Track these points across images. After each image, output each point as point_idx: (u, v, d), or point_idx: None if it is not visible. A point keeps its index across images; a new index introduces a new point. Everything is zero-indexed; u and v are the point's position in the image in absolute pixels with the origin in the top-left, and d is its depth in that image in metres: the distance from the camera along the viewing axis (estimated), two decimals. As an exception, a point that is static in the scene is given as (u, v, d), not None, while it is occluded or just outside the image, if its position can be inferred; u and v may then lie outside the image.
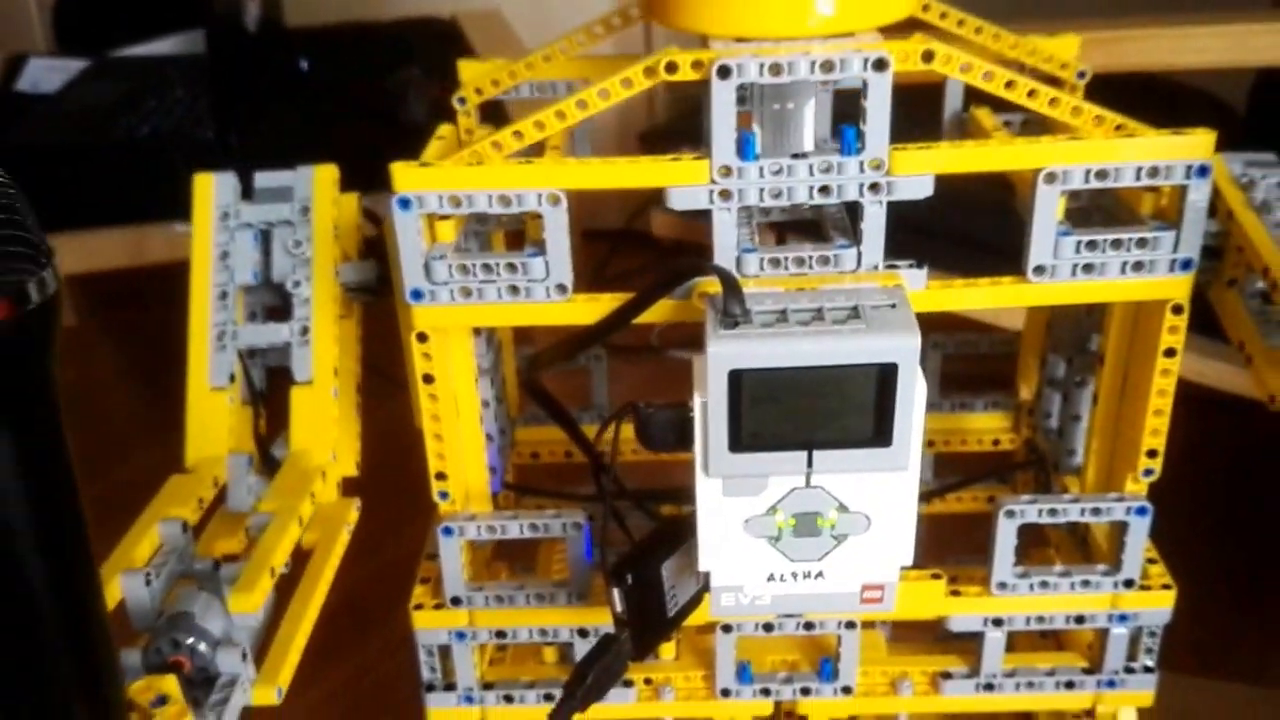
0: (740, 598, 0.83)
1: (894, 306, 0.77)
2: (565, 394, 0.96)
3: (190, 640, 0.78)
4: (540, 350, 0.91)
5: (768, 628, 0.91)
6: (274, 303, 0.96)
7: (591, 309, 0.83)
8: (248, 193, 0.95)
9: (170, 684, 0.73)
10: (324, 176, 0.94)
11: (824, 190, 0.80)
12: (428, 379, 0.86)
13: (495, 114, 1.04)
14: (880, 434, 0.75)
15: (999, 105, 0.91)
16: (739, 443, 0.75)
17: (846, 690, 0.93)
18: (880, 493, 0.78)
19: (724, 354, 0.73)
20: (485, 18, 2.22)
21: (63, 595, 0.62)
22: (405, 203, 0.80)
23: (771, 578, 0.81)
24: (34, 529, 0.59)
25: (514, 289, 0.82)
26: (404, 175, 0.80)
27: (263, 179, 0.94)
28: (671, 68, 0.79)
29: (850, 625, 0.91)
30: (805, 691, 0.94)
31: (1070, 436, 1.00)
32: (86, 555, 0.62)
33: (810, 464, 0.77)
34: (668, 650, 0.96)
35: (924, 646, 0.97)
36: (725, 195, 0.80)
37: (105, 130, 1.95)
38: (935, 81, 1.01)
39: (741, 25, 0.82)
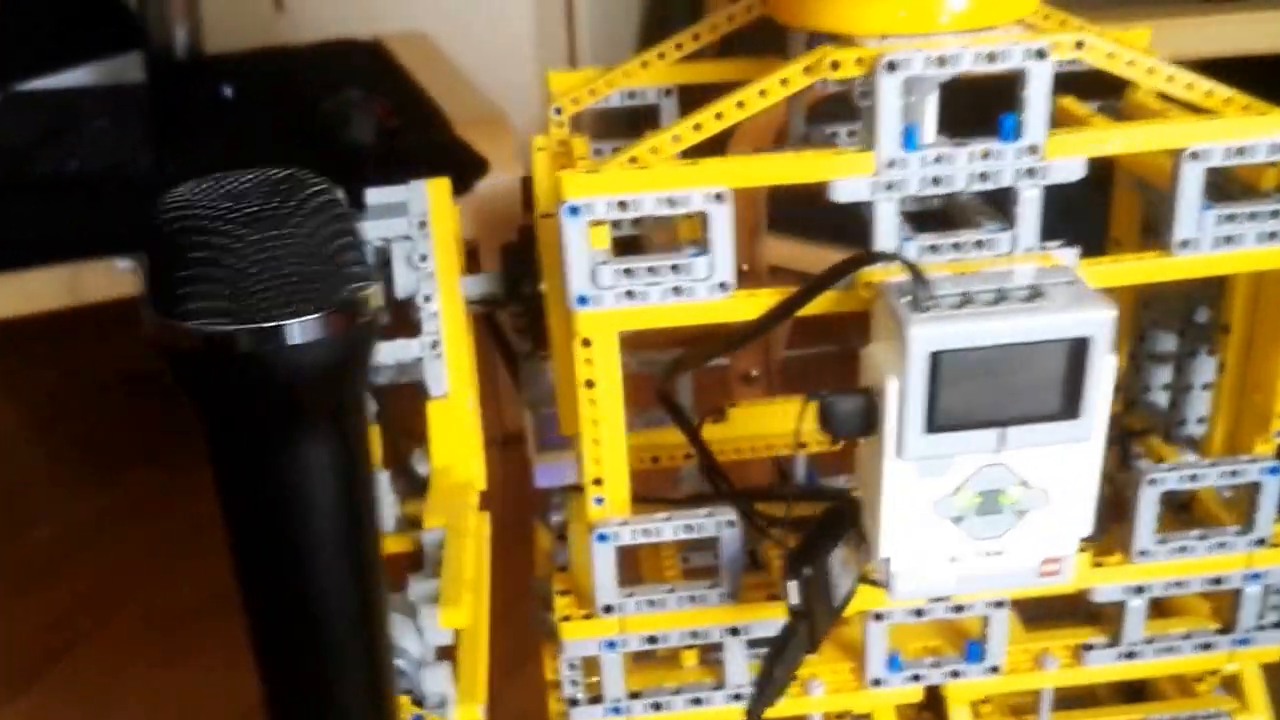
0: (921, 581, 0.85)
1: (1072, 283, 0.80)
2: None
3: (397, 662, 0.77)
4: (684, 354, 0.92)
5: (918, 613, 0.93)
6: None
7: (752, 305, 0.85)
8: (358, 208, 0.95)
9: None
10: (439, 189, 0.94)
11: (983, 177, 0.83)
12: (590, 384, 0.87)
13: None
14: (1069, 407, 0.79)
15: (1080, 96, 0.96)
16: (934, 424, 0.78)
17: (994, 670, 0.96)
18: (1062, 465, 0.81)
19: (925, 336, 0.76)
20: (412, 40, 2.22)
21: (359, 614, 0.62)
22: (574, 210, 0.81)
23: (954, 559, 0.84)
24: (340, 542, 0.59)
25: (677, 289, 0.84)
26: (573, 183, 0.81)
27: (374, 195, 0.95)
28: (835, 65, 0.81)
29: (999, 604, 0.94)
30: (955, 674, 0.96)
31: (1183, 406, 1.05)
32: (380, 574, 0.62)
33: (1002, 441, 0.79)
34: (805, 644, 0.97)
35: (1047, 623, 1.00)
36: (889, 186, 0.82)
37: (28, 168, 1.90)
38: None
39: (889, 24, 0.84)
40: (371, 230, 0.95)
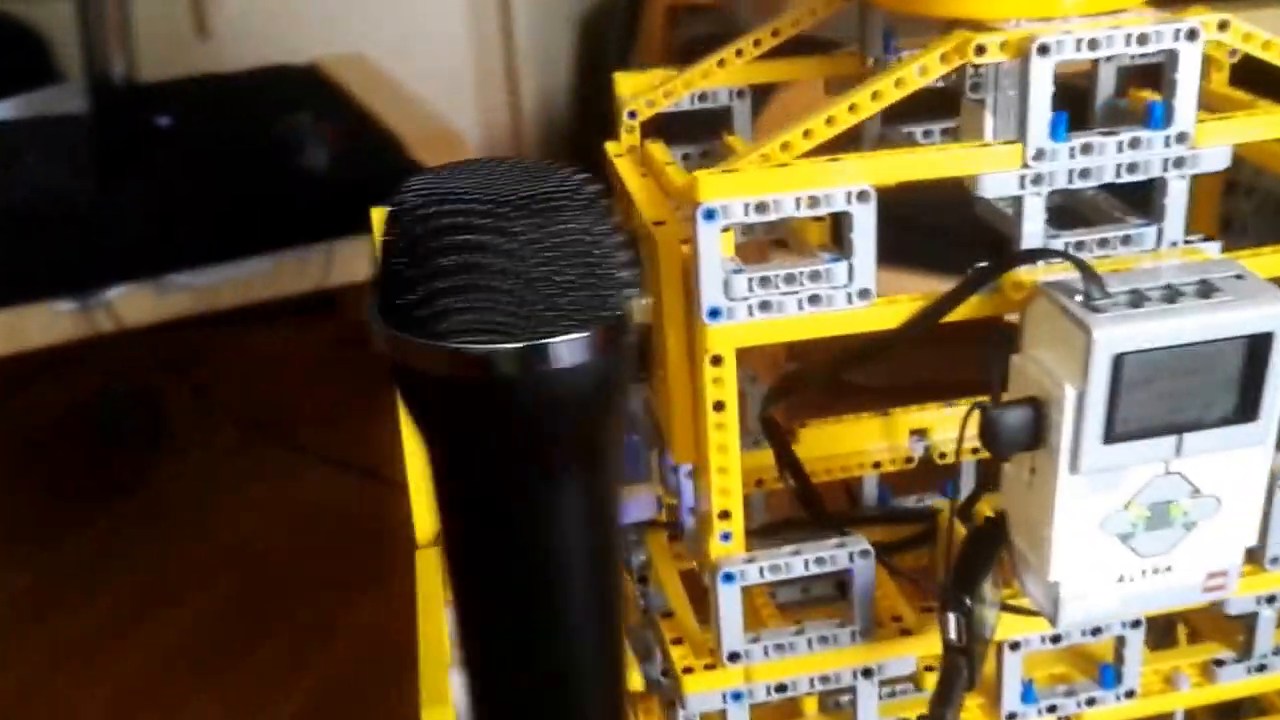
0: (1088, 606, 0.79)
1: (1241, 277, 0.76)
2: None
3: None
4: (794, 372, 0.86)
5: (1055, 639, 0.88)
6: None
7: (894, 313, 0.79)
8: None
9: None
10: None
11: (1130, 168, 0.78)
12: (719, 407, 0.80)
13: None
14: (1246, 409, 0.74)
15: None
16: (1111, 433, 0.72)
17: (1130, 694, 0.91)
18: (1235, 471, 0.77)
19: (1109, 338, 0.71)
20: (350, 62, 2.14)
21: (605, 662, 0.54)
22: (710, 214, 0.74)
23: (1121, 578, 0.78)
24: (592, 599, 0.52)
25: (815, 298, 0.77)
26: (709, 184, 0.74)
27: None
28: (980, 50, 0.75)
29: (1136, 624, 0.88)
30: (1091, 701, 0.90)
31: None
32: (621, 620, 0.55)
33: (1178, 448, 0.74)
34: (932, 680, 0.91)
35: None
36: (1037, 180, 0.77)
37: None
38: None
39: (1014, 7, 0.79)
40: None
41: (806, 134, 0.77)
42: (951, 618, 0.78)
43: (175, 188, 1.78)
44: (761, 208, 0.76)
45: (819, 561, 0.85)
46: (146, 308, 1.72)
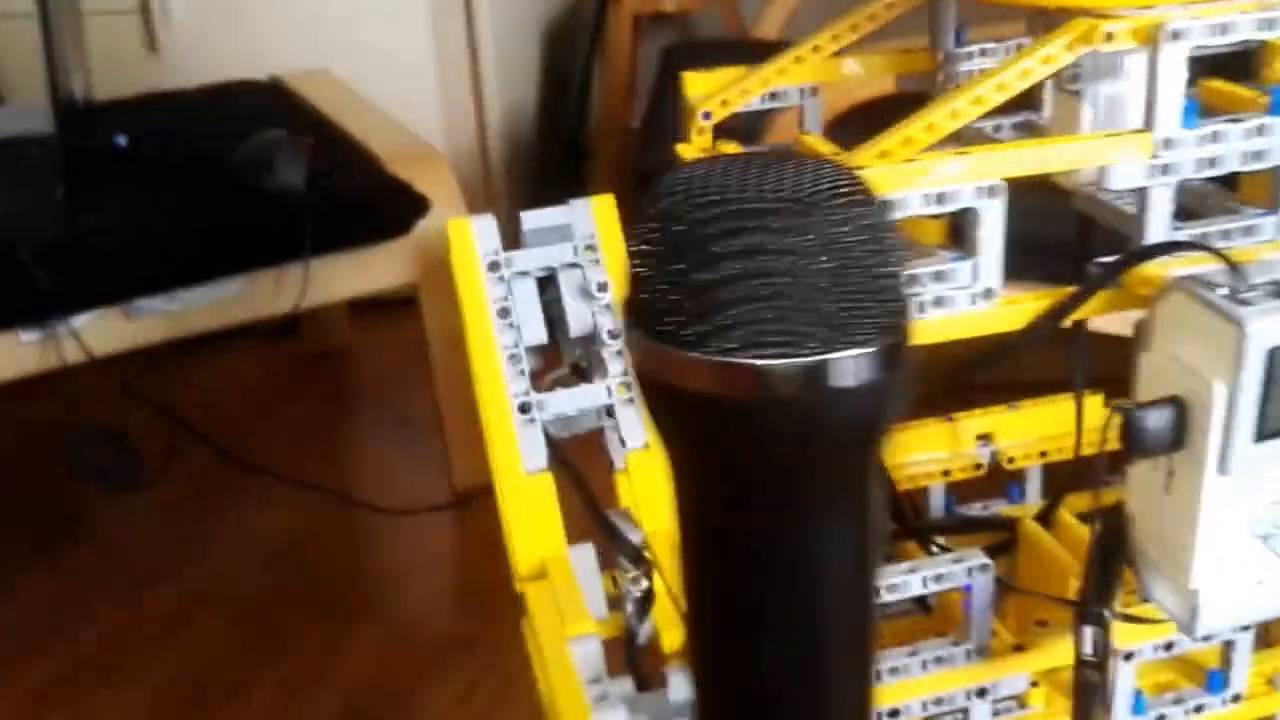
0: (1227, 611, 0.76)
1: (1374, 264, 0.73)
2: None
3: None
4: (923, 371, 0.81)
5: (1168, 647, 0.84)
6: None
7: (1017, 314, 0.75)
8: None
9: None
10: (604, 208, 0.81)
11: (1256, 156, 0.75)
12: (838, 417, 0.75)
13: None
14: (1391, 400, 0.71)
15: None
16: (1263, 431, 0.69)
17: (1236, 699, 0.87)
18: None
19: (1262, 331, 0.67)
20: (315, 77, 2.06)
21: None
22: (839, 214, 0.70)
23: (1260, 581, 0.75)
24: (848, 622, 0.47)
25: (939, 300, 0.73)
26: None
27: (530, 219, 0.81)
28: (1109, 36, 0.72)
29: (1245, 628, 0.85)
30: (1199, 709, 0.87)
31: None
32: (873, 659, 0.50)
33: (1324, 445, 0.71)
34: (1037, 696, 0.88)
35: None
36: (1165, 170, 0.73)
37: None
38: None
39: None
40: (531, 260, 0.81)
41: (929, 128, 0.73)
42: (1088, 632, 0.74)
43: (143, 208, 1.69)
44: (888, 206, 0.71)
45: (937, 579, 0.81)
46: (115, 335, 1.63)
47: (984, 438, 1.02)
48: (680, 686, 0.70)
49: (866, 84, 1.01)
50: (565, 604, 0.73)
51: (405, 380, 2.16)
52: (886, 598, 0.80)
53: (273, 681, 1.54)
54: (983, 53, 0.94)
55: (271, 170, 1.72)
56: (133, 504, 1.87)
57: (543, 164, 2.45)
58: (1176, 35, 0.71)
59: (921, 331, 0.72)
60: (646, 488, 0.79)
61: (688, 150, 0.90)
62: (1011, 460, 1.02)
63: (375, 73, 2.10)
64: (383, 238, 1.72)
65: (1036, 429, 1.01)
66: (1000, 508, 1.06)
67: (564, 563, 0.77)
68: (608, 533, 0.78)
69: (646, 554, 0.77)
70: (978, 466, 1.02)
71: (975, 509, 1.07)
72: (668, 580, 0.74)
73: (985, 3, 0.84)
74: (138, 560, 1.78)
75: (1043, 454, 1.02)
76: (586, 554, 0.78)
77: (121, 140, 1.86)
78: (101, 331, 1.62)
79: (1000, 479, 1.05)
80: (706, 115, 0.90)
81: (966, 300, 0.74)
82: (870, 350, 0.41)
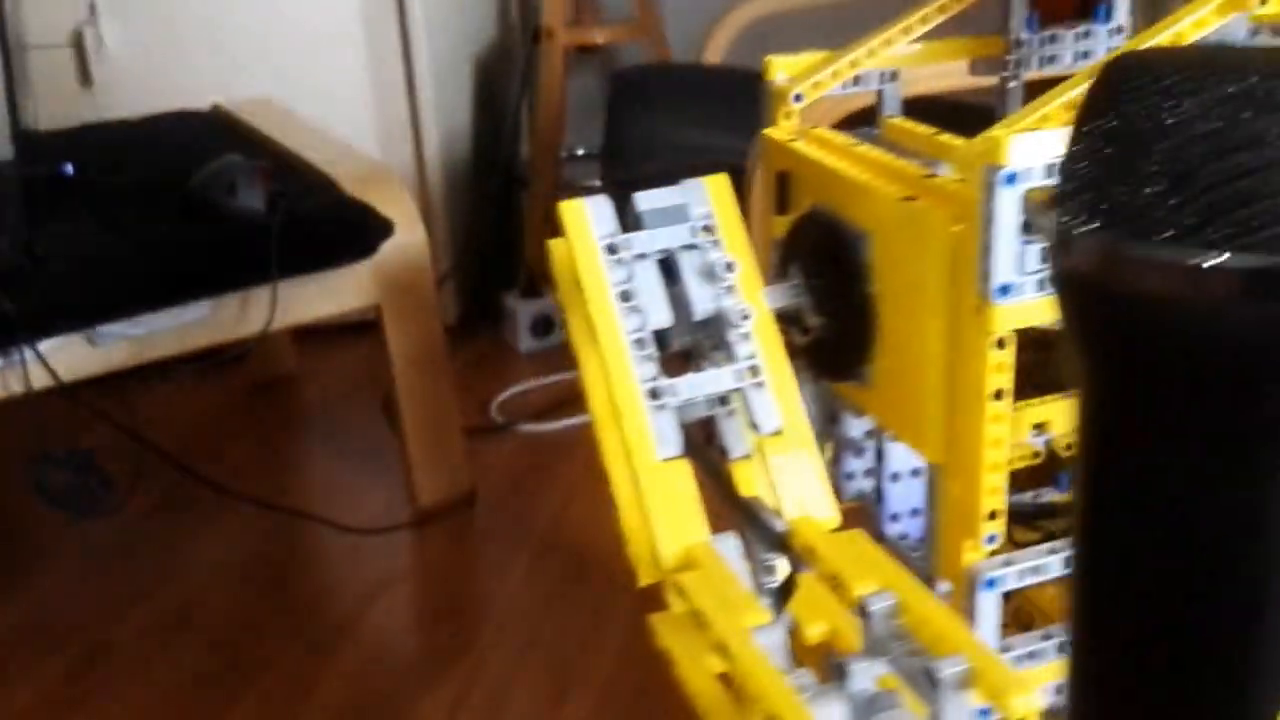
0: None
1: None
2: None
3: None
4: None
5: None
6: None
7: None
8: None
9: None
10: (720, 187, 0.74)
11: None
12: (999, 396, 0.68)
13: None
14: None
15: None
16: None
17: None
18: None
19: None
20: (260, 105, 1.95)
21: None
22: (1012, 178, 0.64)
23: None
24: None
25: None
26: (1014, 145, 0.64)
27: (644, 200, 0.74)
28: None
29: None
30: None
31: None
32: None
33: None
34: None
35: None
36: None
37: None
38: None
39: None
40: (650, 242, 0.73)
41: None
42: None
43: (104, 234, 1.57)
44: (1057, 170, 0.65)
45: (1076, 559, 0.74)
46: (80, 361, 1.51)
47: (1039, 426, 0.96)
48: (862, 678, 0.62)
49: (936, 76, 0.96)
50: (733, 595, 0.66)
51: (353, 404, 2.07)
52: (1030, 581, 0.74)
53: (255, 701, 1.43)
54: (1052, 39, 0.89)
55: (233, 194, 1.61)
56: (101, 529, 1.74)
57: (478, 193, 2.36)
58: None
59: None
60: (787, 473, 0.71)
61: (780, 132, 0.83)
62: (1069, 448, 0.96)
63: (311, 102, 2.00)
64: (348, 259, 1.63)
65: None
66: (1052, 496, 1.00)
67: (712, 552, 0.69)
68: (748, 520, 0.71)
69: (792, 542, 0.69)
70: (1036, 455, 0.96)
71: (1027, 498, 1.01)
72: (822, 567, 0.67)
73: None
74: (109, 586, 1.66)
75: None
76: (730, 544, 0.70)
77: (68, 169, 1.73)
78: (67, 357, 1.51)
79: (1049, 468, 0.99)
80: (798, 97, 0.84)
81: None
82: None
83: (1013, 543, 0.88)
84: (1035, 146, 0.65)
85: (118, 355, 1.55)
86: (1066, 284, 0.39)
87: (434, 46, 2.17)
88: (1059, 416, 0.97)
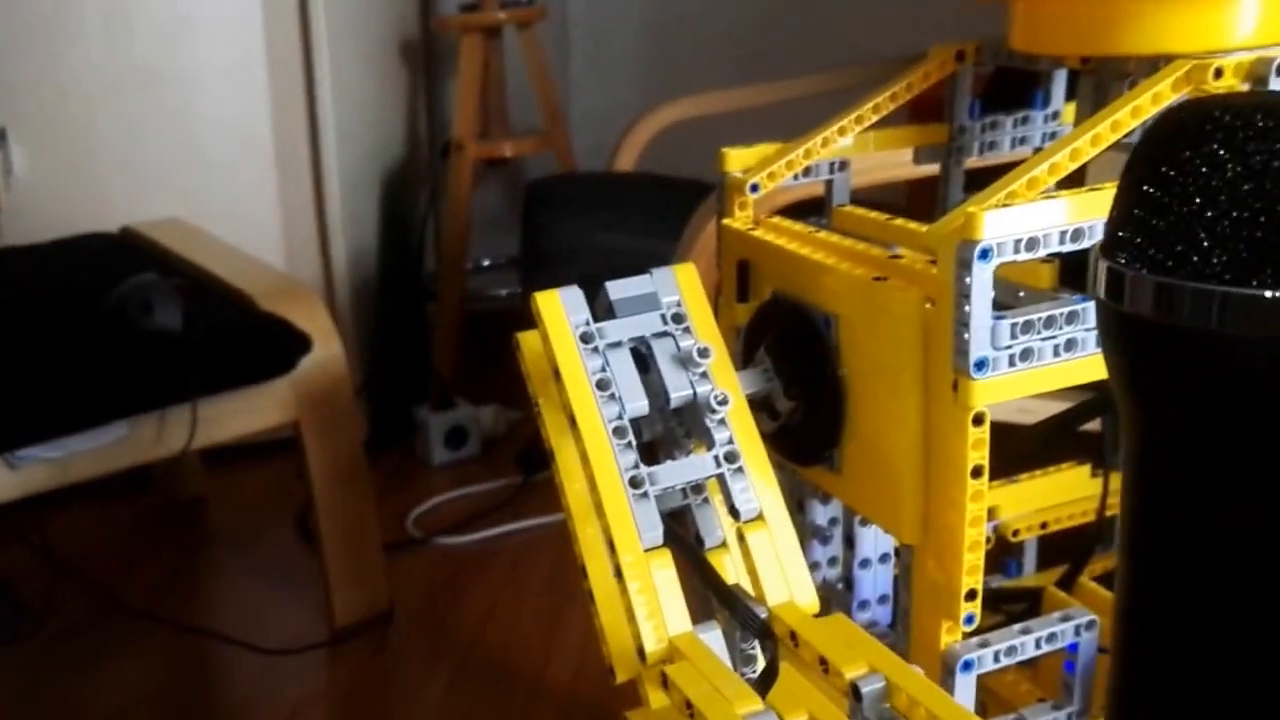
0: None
1: None
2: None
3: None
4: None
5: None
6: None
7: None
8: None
9: None
10: (688, 275, 0.74)
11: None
12: (978, 472, 0.68)
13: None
14: None
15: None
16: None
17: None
18: None
19: None
20: (169, 226, 1.92)
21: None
22: (985, 253, 0.64)
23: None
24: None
25: (1071, 343, 0.68)
26: (986, 221, 0.64)
27: (615, 288, 0.73)
28: (1219, 74, 0.68)
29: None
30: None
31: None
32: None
33: None
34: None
35: None
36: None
37: None
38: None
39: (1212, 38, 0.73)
40: (623, 330, 0.72)
41: (1052, 169, 0.68)
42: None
43: (18, 356, 1.52)
44: (1031, 244, 0.66)
45: (1050, 639, 0.74)
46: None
47: (988, 512, 0.96)
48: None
49: (882, 166, 0.97)
50: (723, 683, 0.63)
51: (265, 523, 2.01)
52: (1004, 662, 0.72)
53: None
54: (993, 125, 0.91)
55: (149, 312, 1.57)
56: (12, 655, 1.67)
57: (386, 306, 2.34)
58: (1282, 70, 0.68)
59: (1057, 376, 0.67)
60: (767, 559, 0.70)
61: (735, 222, 0.83)
62: (1016, 533, 0.96)
63: (221, 223, 1.97)
64: (267, 375, 1.59)
65: (1036, 501, 0.96)
66: (1003, 582, 1.00)
67: (697, 641, 0.67)
68: (731, 608, 0.68)
69: (776, 628, 0.68)
70: (987, 540, 0.96)
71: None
72: (808, 652, 0.65)
73: (1049, 57, 0.79)
74: (22, 713, 1.57)
75: (1043, 525, 0.97)
76: (712, 634, 0.68)
77: (-17, 293, 1.68)
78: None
79: (996, 553, 0.99)
80: (754, 187, 0.83)
81: (1095, 342, 0.68)
82: None
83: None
84: (1007, 221, 0.65)
85: (36, 478, 1.50)
86: (1126, 328, 0.38)
87: (344, 164, 2.16)
88: (1008, 501, 0.97)
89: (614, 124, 2.24)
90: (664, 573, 0.69)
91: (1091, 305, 0.69)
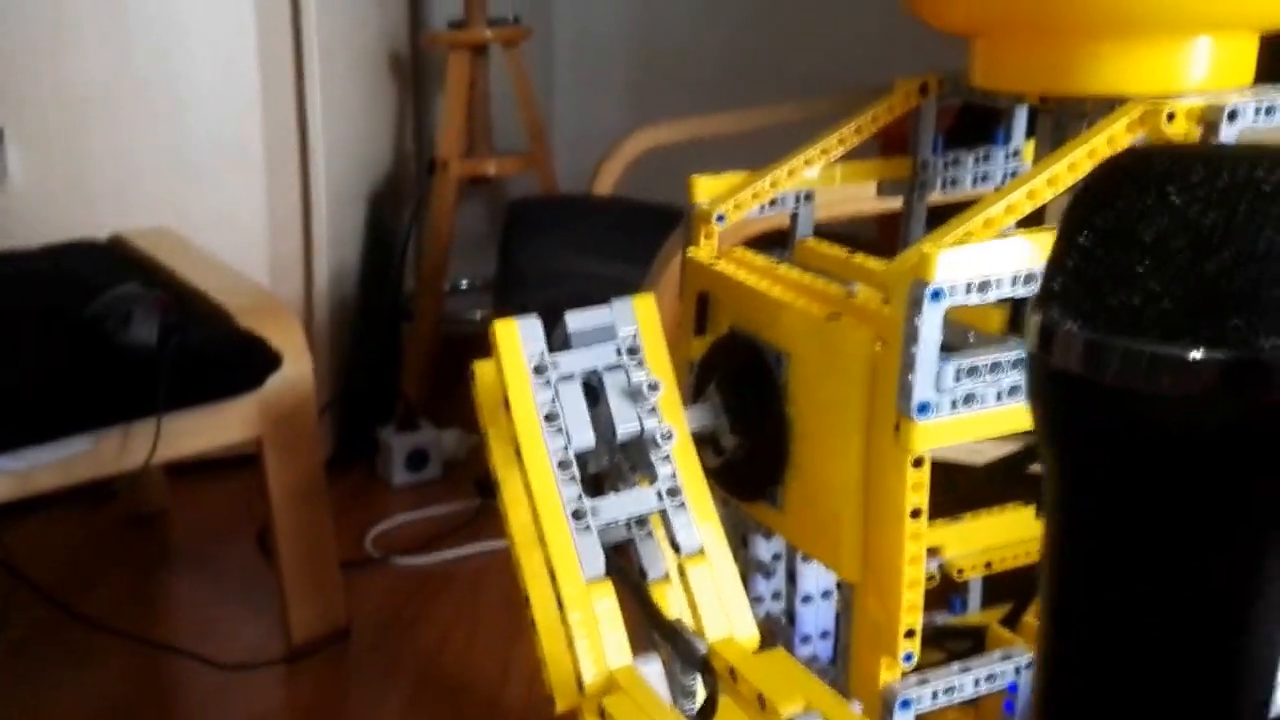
0: None
1: None
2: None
3: None
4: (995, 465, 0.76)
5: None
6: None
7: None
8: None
9: None
10: (646, 307, 0.74)
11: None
12: (916, 514, 0.68)
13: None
14: None
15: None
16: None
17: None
18: None
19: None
20: (157, 235, 1.92)
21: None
22: (937, 294, 0.64)
23: None
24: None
25: (1015, 388, 0.68)
26: (941, 262, 0.64)
27: (574, 319, 0.73)
28: (1171, 117, 0.69)
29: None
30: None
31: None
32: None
33: None
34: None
35: None
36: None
37: None
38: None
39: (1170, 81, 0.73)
40: (577, 362, 0.72)
41: (1009, 209, 0.68)
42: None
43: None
44: (984, 286, 0.66)
45: (989, 679, 0.74)
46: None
47: (933, 550, 0.96)
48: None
49: (850, 199, 0.97)
50: (659, 717, 0.64)
51: (226, 539, 2.00)
52: (942, 702, 0.73)
53: None
54: (955, 162, 0.91)
55: (127, 325, 1.57)
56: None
57: (362, 324, 2.34)
58: (1233, 116, 0.69)
59: (1000, 421, 0.67)
60: (707, 594, 0.70)
61: (698, 253, 0.83)
62: (961, 572, 0.96)
63: (208, 232, 1.97)
64: (235, 392, 1.58)
65: (981, 540, 0.96)
66: (947, 619, 1.00)
67: (635, 675, 0.67)
68: (671, 641, 0.69)
69: (715, 663, 0.68)
70: (930, 578, 0.96)
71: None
72: (746, 688, 0.65)
73: (1007, 95, 0.80)
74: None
75: (988, 565, 0.97)
76: (651, 666, 0.68)
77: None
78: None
79: (940, 590, 0.99)
80: (720, 217, 0.84)
81: (1043, 388, 0.68)
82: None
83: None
84: (961, 262, 0.65)
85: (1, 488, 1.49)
86: (1054, 383, 0.38)
87: (331, 177, 2.16)
88: (953, 539, 0.97)
89: (600, 145, 2.25)
90: (605, 604, 0.69)
91: (1038, 351, 0.69)
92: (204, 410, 1.57)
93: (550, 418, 0.71)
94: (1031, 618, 0.91)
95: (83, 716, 1.56)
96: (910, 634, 0.71)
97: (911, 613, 0.71)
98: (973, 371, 0.67)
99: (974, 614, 0.99)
